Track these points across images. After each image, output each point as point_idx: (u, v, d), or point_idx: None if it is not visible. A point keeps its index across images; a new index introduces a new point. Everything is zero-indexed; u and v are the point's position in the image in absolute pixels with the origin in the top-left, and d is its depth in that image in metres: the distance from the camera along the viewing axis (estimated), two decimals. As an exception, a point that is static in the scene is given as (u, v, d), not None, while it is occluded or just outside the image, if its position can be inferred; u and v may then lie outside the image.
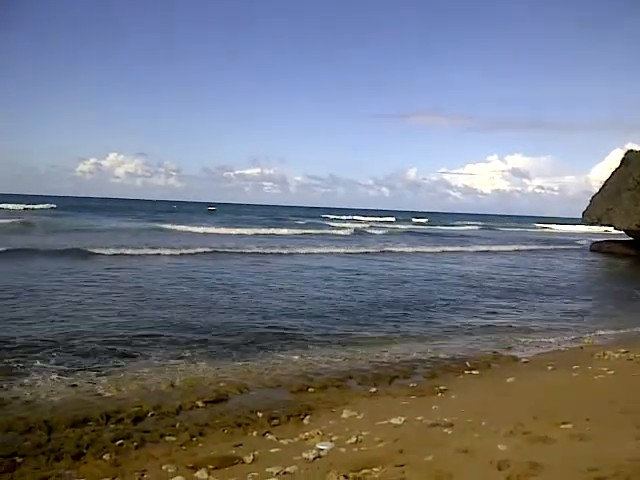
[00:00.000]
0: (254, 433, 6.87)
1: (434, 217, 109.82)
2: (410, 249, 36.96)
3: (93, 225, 43.08)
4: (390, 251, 35.37)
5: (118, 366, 9.38)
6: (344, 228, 57.33)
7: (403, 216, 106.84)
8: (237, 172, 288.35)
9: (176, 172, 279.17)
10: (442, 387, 8.91)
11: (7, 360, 9.28)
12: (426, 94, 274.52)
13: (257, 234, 43.35)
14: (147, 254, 25.53)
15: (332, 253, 32.13)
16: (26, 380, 8.50)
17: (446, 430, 6.17)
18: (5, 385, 8.24)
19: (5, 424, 6.74)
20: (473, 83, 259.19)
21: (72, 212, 65.16)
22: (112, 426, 6.90)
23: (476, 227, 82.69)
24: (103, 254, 24.36)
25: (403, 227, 70.25)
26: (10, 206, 64.99)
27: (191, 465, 5.72)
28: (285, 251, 31.00)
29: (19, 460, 5.86)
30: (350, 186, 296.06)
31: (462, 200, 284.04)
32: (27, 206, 67.35)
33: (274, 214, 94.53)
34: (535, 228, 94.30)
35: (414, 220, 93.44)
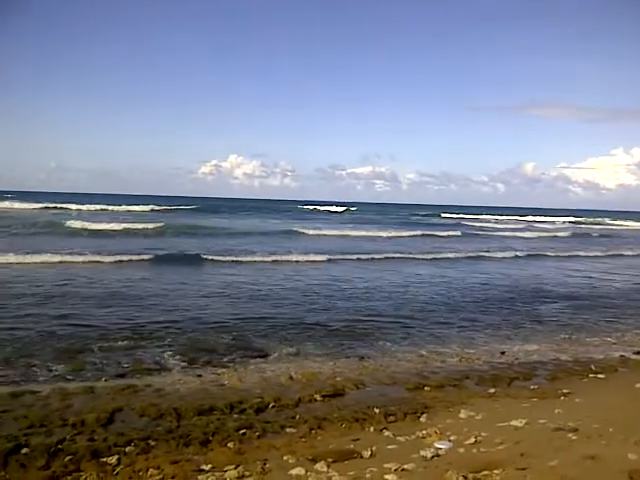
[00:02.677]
0: (371, 428, 6.91)
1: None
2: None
3: (231, 227, 42.48)
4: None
5: (240, 359, 9.78)
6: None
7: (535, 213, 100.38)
8: (349, 171, 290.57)
9: (291, 172, 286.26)
10: (565, 390, 8.52)
11: (140, 351, 9.98)
12: (544, 84, 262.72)
13: (399, 236, 41.27)
14: (300, 260, 24.51)
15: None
16: (156, 369, 9.11)
17: (570, 435, 5.92)
18: (138, 374, 8.85)
19: (139, 409, 7.23)
20: (595, 71, 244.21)
21: (206, 213, 67.54)
22: (235, 416, 7.20)
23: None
24: (256, 261, 23.83)
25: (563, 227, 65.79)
26: (138, 207, 68.10)
27: (311, 457, 5.86)
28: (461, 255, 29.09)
29: (152, 444, 6.25)
30: (463, 183, 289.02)
31: (583, 196, 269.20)
32: (167, 207, 71.29)
33: (390, 212, 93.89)
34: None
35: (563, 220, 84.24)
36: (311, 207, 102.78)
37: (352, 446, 6.23)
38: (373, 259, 26.03)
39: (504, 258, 29.49)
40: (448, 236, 43.61)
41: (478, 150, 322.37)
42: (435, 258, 27.53)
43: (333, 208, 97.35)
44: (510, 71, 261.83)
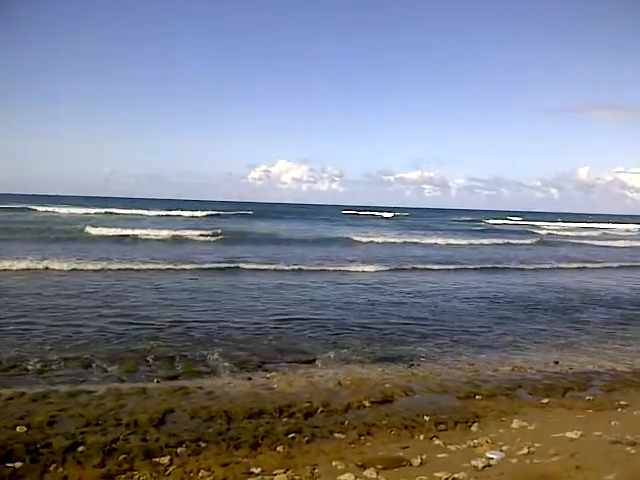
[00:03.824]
0: (421, 436, 6.84)
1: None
2: None
3: (285, 234, 41.52)
4: None
5: (288, 363, 9.84)
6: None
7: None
8: (397, 176, 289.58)
9: (339, 177, 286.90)
10: (622, 402, 8.26)
11: (190, 354, 10.15)
12: (599, 86, 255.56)
13: (476, 244, 39.24)
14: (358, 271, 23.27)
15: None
16: (207, 372, 9.25)
17: (629, 449, 5.73)
18: (189, 376, 9.00)
19: (190, 411, 7.35)
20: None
21: (260, 218, 67.51)
22: (285, 420, 7.24)
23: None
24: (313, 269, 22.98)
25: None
26: (197, 213, 68.43)
27: (360, 463, 5.84)
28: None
29: (203, 445, 6.34)
30: (515, 188, 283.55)
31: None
32: (221, 212, 72.25)
33: (440, 217, 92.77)
34: None
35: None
36: (361, 212, 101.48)
37: (401, 454, 6.18)
38: (467, 269, 25.22)
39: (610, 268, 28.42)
40: (524, 244, 41.68)
41: (530, 153, 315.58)
42: (541, 268, 26.78)
43: (384, 214, 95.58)
44: (566, 72, 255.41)
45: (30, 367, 9.00)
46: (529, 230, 62.41)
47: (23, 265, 19.64)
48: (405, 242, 38.65)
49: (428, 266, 25.25)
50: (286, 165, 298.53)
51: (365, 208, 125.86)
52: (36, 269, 19.41)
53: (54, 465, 5.69)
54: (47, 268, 19.65)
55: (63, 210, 63.97)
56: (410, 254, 30.35)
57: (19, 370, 8.88)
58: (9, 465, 5.64)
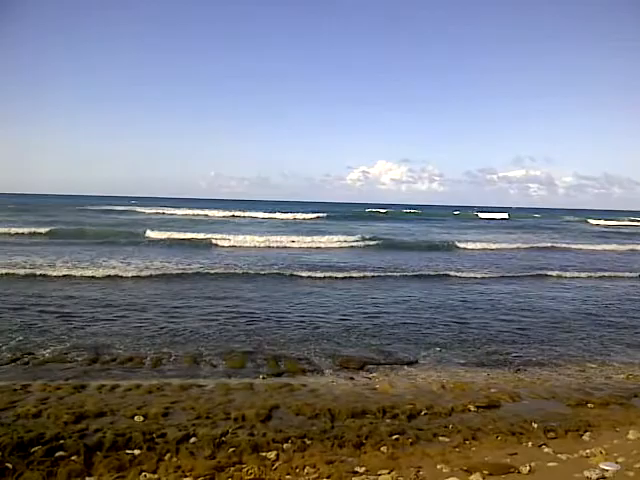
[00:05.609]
0: (529, 443, 6.62)
1: None
2: None
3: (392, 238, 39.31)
4: None
5: (390, 365, 9.84)
6: None
7: None
8: (500, 174, 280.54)
9: (439, 177, 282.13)
10: None
11: (294, 352, 10.41)
12: None
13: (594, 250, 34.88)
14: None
15: None
16: (310, 370, 9.43)
17: None
18: (294, 374, 9.20)
19: (295, 408, 7.50)
20: None
21: (364, 220, 67.12)
22: (388, 420, 7.23)
23: None
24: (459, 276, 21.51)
25: None
26: (307, 215, 68.92)
27: (465, 468, 5.74)
28: None
29: (308, 442, 6.45)
30: (628, 186, 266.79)
31: None
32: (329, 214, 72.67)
33: (548, 217, 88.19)
34: None
35: None
36: (472, 213, 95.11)
37: (509, 460, 6.02)
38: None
39: None
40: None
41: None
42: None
43: (497, 214, 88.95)
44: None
45: (145, 361, 9.53)
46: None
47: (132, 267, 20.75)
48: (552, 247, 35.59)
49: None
50: (385, 165, 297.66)
51: (471, 208, 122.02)
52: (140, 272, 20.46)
53: (169, 454, 6.00)
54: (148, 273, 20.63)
55: (178, 212, 66.97)
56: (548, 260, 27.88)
57: (135, 364, 9.42)
58: (129, 452, 6.00)
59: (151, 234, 32.90)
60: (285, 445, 6.33)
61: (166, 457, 5.94)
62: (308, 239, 33.50)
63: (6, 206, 64.89)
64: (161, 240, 31.11)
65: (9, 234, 31.25)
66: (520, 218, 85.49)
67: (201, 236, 32.74)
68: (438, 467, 5.83)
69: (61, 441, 6.13)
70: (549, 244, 36.36)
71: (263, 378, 8.90)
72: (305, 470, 5.70)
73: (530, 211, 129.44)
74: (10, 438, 6.07)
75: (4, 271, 18.19)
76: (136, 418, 6.94)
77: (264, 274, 20.10)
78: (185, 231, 35.81)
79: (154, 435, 6.42)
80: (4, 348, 9.95)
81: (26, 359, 9.44)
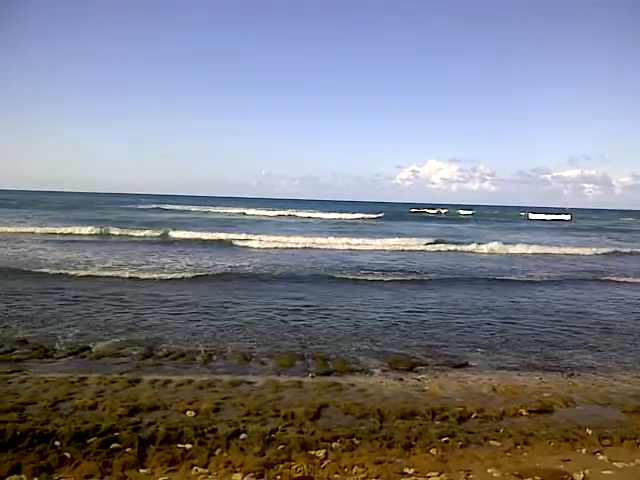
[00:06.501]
0: (583, 450, 6.45)
1: None
2: None
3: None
4: None
5: (440, 366, 9.74)
6: None
7: None
8: (554, 174, 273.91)
9: (490, 176, 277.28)
10: None
11: (343, 351, 10.43)
12: None
13: None
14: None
15: None
16: (359, 370, 9.41)
17: None
18: (342, 373, 9.21)
19: (344, 407, 7.50)
20: None
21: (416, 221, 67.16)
22: (437, 422, 7.15)
23: None
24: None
25: None
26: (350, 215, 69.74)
27: (517, 473, 5.64)
28: None
29: (357, 442, 6.43)
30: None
31: None
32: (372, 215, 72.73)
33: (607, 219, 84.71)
34: None
35: None
36: (532, 215, 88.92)
37: (562, 467, 5.89)
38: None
39: None
40: None
41: None
42: None
43: (559, 216, 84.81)
44: None
45: (196, 357, 9.70)
46: None
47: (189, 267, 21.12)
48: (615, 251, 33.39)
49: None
50: (436, 165, 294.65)
51: (525, 209, 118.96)
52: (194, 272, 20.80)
53: (219, 449, 6.08)
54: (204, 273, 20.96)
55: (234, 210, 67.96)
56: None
57: (187, 359, 9.60)
58: (180, 446, 6.11)
59: (202, 235, 33.30)
60: (334, 444, 6.34)
61: (217, 452, 6.02)
62: (377, 242, 33.21)
63: (58, 204, 67.00)
64: (214, 241, 31.40)
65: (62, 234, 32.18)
66: (579, 219, 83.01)
67: (250, 236, 32.88)
68: (488, 471, 5.75)
69: (116, 433, 6.29)
70: (612, 249, 34.38)
71: (312, 377, 8.94)
72: (354, 470, 5.70)
73: (587, 212, 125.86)
74: (68, 428, 6.27)
75: (56, 271, 18.81)
76: (188, 413, 7.07)
77: (319, 275, 20.24)
78: (239, 232, 36.12)
79: (205, 430, 6.52)
80: (62, 341, 10.28)
81: (83, 353, 9.73)
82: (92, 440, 6.09)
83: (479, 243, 32.56)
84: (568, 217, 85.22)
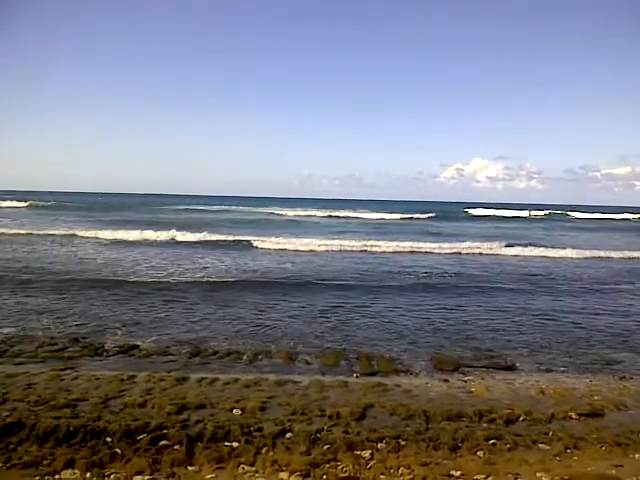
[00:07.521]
0: (636, 455, 6.28)
1: None
2: None
3: None
4: None
5: (486, 368, 9.62)
6: None
7: None
8: (604, 172, 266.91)
9: (537, 174, 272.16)
10: None
11: (387, 352, 10.39)
12: None
13: None
14: None
15: None
16: (404, 370, 9.36)
17: None
18: (387, 373, 9.18)
19: (389, 408, 7.48)
20: None
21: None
22: (484, 425, 7.07)
23: None
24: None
25: None
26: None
27: (566, 477, 5.53)
28: None
29: (402, 443, 6.41)
30: None
31: None
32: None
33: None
34: None
35: None
36: (587, 215, 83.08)
37: (614, 472, 5.76)
38: None
39: None
40: None
41: None
42: None
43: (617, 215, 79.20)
44: None
45: (242, 356, 9.81)
46: None
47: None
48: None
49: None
50: (481, 163, 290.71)
51: (572, 207, 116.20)
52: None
53: (265, 448, 6.15)
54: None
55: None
56: None
57: (233, 358, 9.72)
58: (227, 444, 6.20)
59: (252, 239, 32.18)
60: (379, 445, 6.33)
61: (263, 451, 6.09)
62: (446, 245, 31.21)
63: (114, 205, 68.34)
64: (267, 248, 30.33)
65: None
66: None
67: (306, 240, 31.97)
68: (537, 475, 5.66)
69: (165, 430, 6.43)
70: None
71: (357, 377, 8.94)
72: (400, 471, 5.68)
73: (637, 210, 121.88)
74: (119, 425, 6.43)
75: (96, 275, 19.24)
76: (234, 411, 7.16)
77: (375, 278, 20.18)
78: (297, 234, 35.24)
79: (251, 429, 6.60)
80: (111, 339, 10.55)
81: (132, 351, 9.95)
82: (142, 437, 6.24)
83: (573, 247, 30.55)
84: (629, 216, 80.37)
